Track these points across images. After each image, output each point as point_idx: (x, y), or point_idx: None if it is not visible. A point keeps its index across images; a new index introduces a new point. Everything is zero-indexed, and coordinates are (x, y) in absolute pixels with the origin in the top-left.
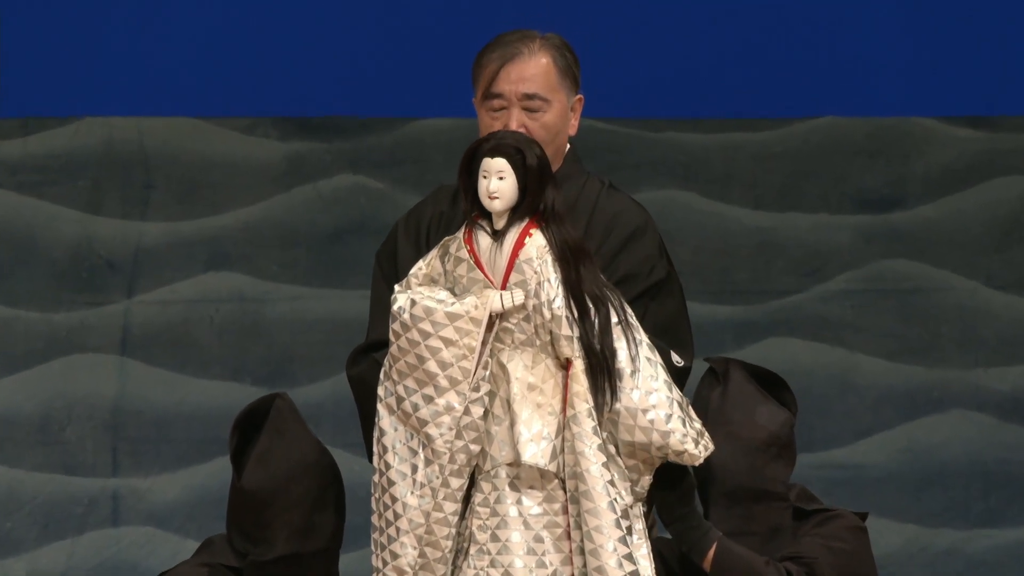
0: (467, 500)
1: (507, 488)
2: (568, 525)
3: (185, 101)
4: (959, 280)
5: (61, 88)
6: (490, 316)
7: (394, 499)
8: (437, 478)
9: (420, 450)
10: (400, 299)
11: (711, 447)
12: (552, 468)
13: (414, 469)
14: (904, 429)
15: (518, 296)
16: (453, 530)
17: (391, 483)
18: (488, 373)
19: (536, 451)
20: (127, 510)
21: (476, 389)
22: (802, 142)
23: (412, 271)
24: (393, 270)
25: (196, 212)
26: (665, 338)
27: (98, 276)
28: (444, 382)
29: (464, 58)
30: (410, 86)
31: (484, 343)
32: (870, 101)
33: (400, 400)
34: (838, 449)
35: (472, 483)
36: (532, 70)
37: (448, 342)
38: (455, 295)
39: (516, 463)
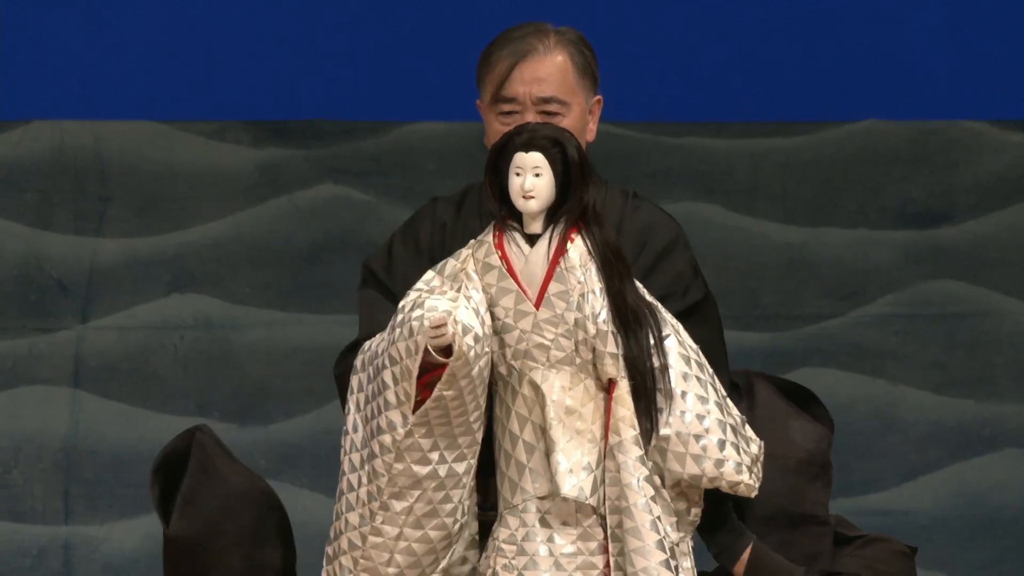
0: (485, 535)
1: (537, 524)
2: (607, 566)
3: (145, 103)
4: (1014, 303)
5: (5, 88)
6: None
7: (339, 513)
8: (375, 500)
9: (368, 462)
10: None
11: (761, 476)
12: (592, 502)
13: (360, 482)
14: (953, 470)
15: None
16: (398, 557)
17: (340, 493)
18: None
19: (576, 483)
20: (80, 561)
21: (424, 415)
22: (837, 149)
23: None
24: (387, 275)
25: (157, 227)
26: None
27: (48, 299)
28: (392, 398)
29: (459, 55)
30: (398, 86)
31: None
32: (913, 103)
33: (366, 401)
34: (879, 493)
35: (497, 517)
36: (548, 69)
37: (393, 360)
38: (455, 300)
39: (553, 496)
